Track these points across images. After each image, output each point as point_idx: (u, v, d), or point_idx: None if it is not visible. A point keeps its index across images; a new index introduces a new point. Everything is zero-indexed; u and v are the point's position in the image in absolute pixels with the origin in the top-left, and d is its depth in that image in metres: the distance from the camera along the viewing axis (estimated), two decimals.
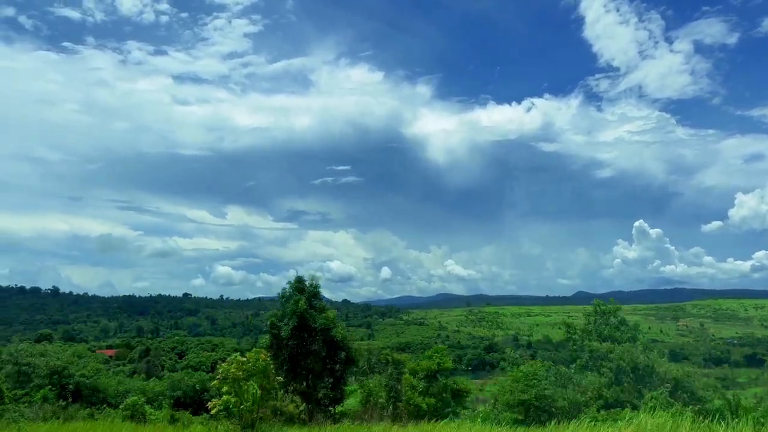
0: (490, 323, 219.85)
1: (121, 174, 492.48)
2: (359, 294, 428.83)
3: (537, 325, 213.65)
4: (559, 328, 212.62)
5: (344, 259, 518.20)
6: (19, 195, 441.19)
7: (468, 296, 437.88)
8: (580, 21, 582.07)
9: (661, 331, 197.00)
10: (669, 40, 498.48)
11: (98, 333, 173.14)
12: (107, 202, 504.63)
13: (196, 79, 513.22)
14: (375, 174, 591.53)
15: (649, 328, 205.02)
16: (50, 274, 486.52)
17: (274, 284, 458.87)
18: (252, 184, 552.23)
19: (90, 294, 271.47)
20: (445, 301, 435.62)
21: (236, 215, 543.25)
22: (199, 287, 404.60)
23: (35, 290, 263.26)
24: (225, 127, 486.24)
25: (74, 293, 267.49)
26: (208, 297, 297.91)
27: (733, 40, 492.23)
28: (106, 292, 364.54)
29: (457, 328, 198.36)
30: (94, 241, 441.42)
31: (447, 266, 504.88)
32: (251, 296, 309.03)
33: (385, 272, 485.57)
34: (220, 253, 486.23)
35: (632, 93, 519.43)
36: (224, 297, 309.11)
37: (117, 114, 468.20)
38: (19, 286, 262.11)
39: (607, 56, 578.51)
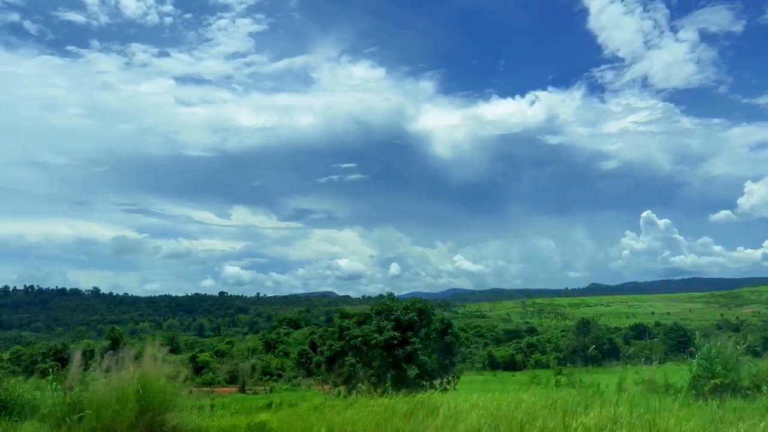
0: (551, 314, 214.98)
1: (126, 177, 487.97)
2: (367, 291, 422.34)
3: (601, 315, 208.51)
4: (627, 317, 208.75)
5: (350, 256, 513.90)
6: (25, 200, 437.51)
7: (480, 291, 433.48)
8: (584, 12, 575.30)
9: (737, 318, 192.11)
10: (674, 30, 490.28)
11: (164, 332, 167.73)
12: (112, 206, 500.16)
13: (199, 80, 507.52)
14: (380, 171, 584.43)
15: (721, 315, 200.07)
16: (58, 279, 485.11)
17: (284, 283, 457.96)
18: (257, 184, 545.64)
19: (130, 294, 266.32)
20: (457, 296, 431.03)
21: (241, 215, 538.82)
22: (209, 287, 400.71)
23: (75, 291, 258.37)
24: (229, 127, 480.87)
25: (114, 294, 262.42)
26: (245, 295, 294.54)
27: (739, 27, 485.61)
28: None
29: (525, 320, 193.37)
30: (101, 244, 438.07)
31: (455, 261, 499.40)
32: (259, 294, 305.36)
33: (394, 269, 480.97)
34: (226, 253, 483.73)
35: (636, 84, 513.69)
36: (260, 294, 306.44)
37: (122, 117, 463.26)
38: (59, 287, 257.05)
39: (612, 47, 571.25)
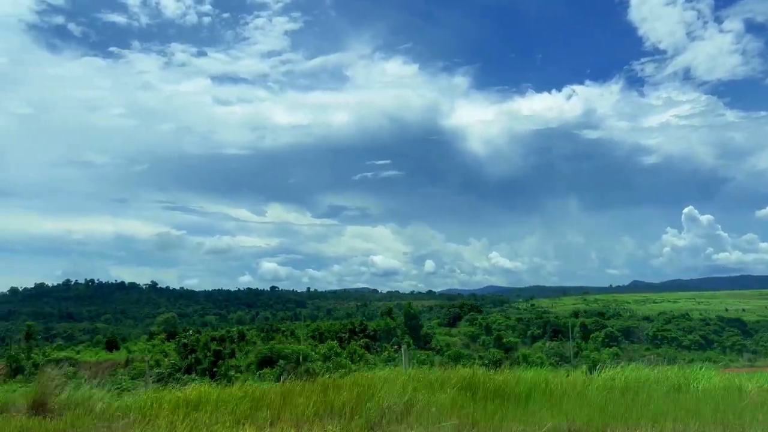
0: (620, 311, 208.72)
1: (165, 175, 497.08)
2: (402, 287, 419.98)
3: (671, 311, 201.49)
4: (699, 314, 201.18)
5: (384, 253, 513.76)
6: (69, 199, 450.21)
7: (517, 288, 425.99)
8: (624, 3, 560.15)
9: None
10: (719, 20, 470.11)
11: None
12: (152, 203, 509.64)
13: (236, 79, 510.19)
14: (414, 167, 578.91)
15: None
16: (101, 275, 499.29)
17: (320, 279, 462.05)
18: (292, 181, 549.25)
19: (186, 288, 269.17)
20: (496, 293, 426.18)
21: (276, 213, 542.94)
22: (247, 283, 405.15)
23: (133, 285, 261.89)
24: (265, 125, 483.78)
25: (171, 288, 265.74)
26: (295, 290, 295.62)
27: None
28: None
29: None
30: (140, 241, 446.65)
31: (491, 258, 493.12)
32: (299, 290, 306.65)
33: (429, 265, 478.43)
34: (262, 250, 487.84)
35: (678, 76, 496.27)
36: (310, 289, 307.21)
37: (161, 116, 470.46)
38: (119, 281, 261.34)
39: (653, 39, 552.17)
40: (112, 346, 62.21)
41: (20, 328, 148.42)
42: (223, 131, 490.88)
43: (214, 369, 46.47)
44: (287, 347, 56.50)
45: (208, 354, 50.48)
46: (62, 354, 51.08)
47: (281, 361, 45.39)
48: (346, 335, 72.86)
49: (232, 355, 55.77)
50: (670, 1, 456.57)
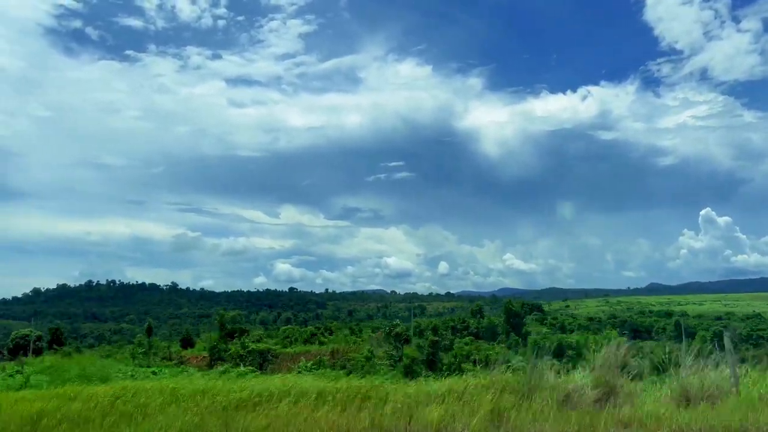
0: (640, 313, 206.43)
1: (180, 177, 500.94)
2: (416, 289, 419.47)
3: (700, 315, 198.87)
4: (728, 316, 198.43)
5: (397, 255, 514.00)
6: (86, 200, 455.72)
7: (533, 290, 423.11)
8: (640, 3, 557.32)
9: None
10: (736, 19, 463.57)
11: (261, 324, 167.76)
12: (167, 205, 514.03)
13: (250, 82, 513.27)
14: (427, 169, 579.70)
15: None
16: (119, 276, 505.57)
17: (334, 280, 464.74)
18: (306, 183, 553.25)
19: (206, 289, 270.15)
20: (512, 295, 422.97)
21: (289, 214, 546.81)
22: (262, 284, 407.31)
23: (154, 286, 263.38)
24: (279, 128, 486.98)
25: (191, 289, 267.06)
26: (314, 291, 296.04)
27: None
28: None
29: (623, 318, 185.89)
30: (155, 242, 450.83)
31: (506, 260, 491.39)
32: (315, 291, 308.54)
33: (443, 267, 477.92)
34: (276, 251, 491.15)
35: (694, 77, 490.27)
36: (328, 290, 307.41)
37: (177, 119, 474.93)
38: (140, 282, 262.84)
39: (669, 39, 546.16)
40: (187, 343, 62.76)
41: (44, 327, 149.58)
42: (238, 133, 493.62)
43: (433, 359, 48.61)
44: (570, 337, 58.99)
45: (424, 345, 52.26)
46: (262, 345, 51.52)
47: (570, 351, 50.33)
48: (448, 332, 75.94)
49: (450, 347, 58.83)
50: (687, 1, 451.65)
